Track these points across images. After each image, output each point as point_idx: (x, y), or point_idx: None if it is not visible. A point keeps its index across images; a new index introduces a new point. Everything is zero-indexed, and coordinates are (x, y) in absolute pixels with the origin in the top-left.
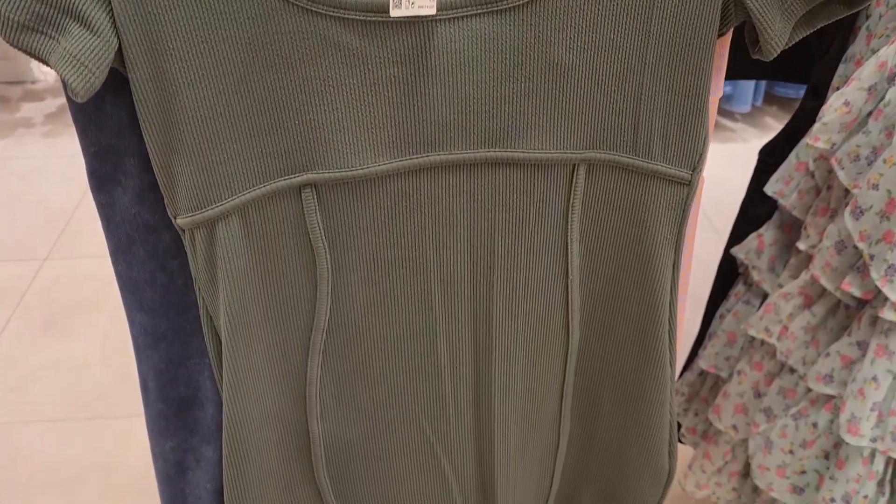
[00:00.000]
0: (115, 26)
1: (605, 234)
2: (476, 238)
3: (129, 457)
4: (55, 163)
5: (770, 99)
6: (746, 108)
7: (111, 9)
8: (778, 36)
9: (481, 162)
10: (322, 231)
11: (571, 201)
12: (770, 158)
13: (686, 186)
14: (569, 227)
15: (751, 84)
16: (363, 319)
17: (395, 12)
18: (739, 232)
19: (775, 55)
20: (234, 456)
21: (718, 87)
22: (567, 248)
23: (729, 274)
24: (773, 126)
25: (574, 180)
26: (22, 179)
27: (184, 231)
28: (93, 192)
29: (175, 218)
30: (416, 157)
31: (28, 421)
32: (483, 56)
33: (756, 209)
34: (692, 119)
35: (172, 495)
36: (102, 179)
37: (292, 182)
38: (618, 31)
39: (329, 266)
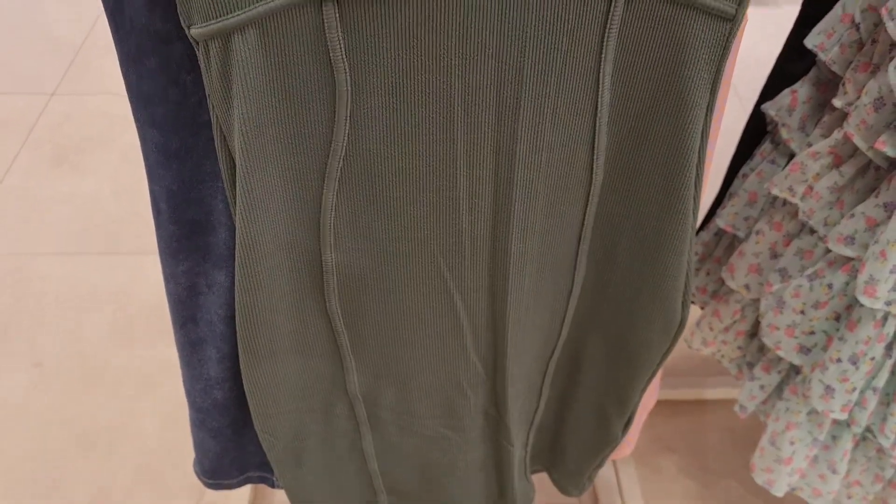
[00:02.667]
0: None
1: (640, 70)
2: (504, 64)
3: (140, 291)
4: None
5: None
6: None
7: None
8: None
9: None
10: (343, 49)
11: (607, 31)
12: (813, 10)
13: (729, 22)
14: (602, 58)
15: None
16: (381, 147)
17: None
18: (771, 89)
19: None
20: (246, 281)
21: None
22: (598, 82)
23: (755, 133)
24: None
25: (612, 8)
26: (26, 10)
27: (197, 43)
28: None
29: (188, 28)
30: None
31: (40, 253)
32: None
33: (792, 65)
34: None
35: (184, 319)
36: None
37: None
38: None
39: (349, 87)
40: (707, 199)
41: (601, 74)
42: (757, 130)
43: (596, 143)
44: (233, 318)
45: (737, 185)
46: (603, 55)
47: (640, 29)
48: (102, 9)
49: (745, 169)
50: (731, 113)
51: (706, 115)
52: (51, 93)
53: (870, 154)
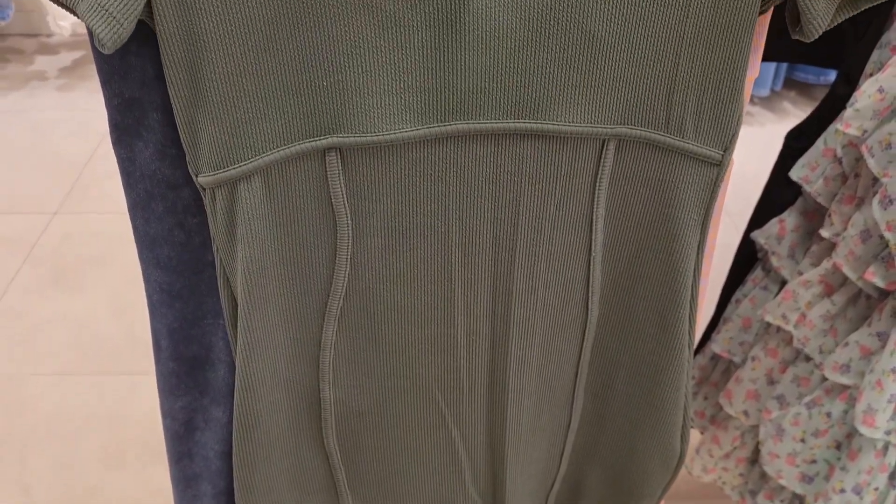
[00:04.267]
0: None
1: (631, 212)
2: (500, 209)
3: (133, 413)
4: (68, 117)
5: (789, 83)
6: (765, 92)
7: None
8: (821, 16)
9: (510, 132)
10: (345, 196)
11: (599, 176)
12: (796, 143)
13: (716, 167)
14: (595, 202)
15: (771, 67)
16: (381, 286)
17: None
18: (760, 216)
19: (816, 36)
20: (244, 418)
21: (755, 66)
22: (592, 224)
23: (746, 258)
24: (792, 111)
25: (603, 155)
26: (34, 132)
27: (204, 189)
28: (114, 145)
29: (196, 176)
30: (444, 125)
31: (34, 374)
32: (517, 24)
33: (779, 194)
34: (727, 98)
35: (179, 455)
36: (124, 133)
37: (317, 145)
38: (657, 4)
39: (350, 231)
40: (702, 321)
41: (594, 217)
42: (748, 257)
43: (591, 281)
44: (229, 454)
45: (730, 310)
46: (595, 199)
47: (630, 174)
48: (107, 131)
49: (737, 294)
50: (721, 229)
51: (697, 254)
52: (53, 212)
53: (860, 284)
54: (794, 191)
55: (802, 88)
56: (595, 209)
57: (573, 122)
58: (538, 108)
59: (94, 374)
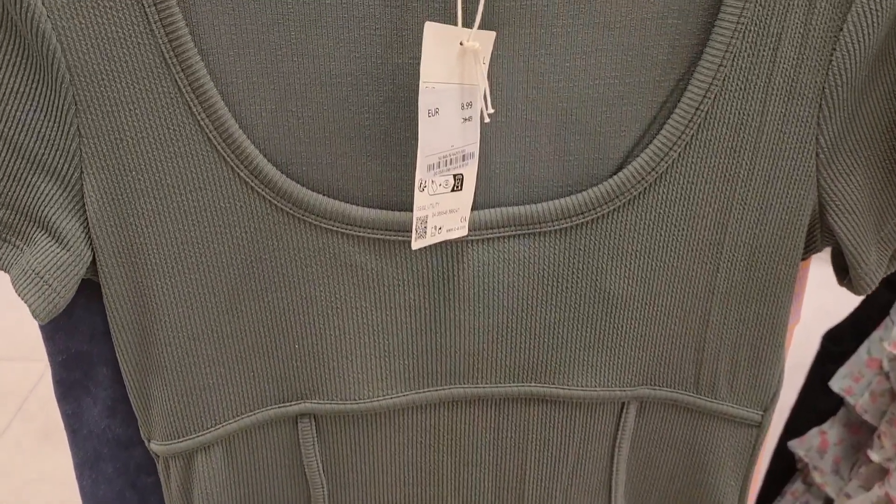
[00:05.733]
0: (88, 238)
1: (658, 476)
2: (503, 480)
3: None
4: None
5: None
6: None
7: (85, 219)
8: (873, 271)
9: (513, 397)
10: (320, 465)
11: (618, 441)
12: (835, 347)
13: (755, 428)
14: (614, 468)
15: None
16: None
17: (417, 244)
18: (797, 422)
19: (869, 292)
20: None
21: (797, 313)
22: (611, 492)
23: (783, 467)
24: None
25: (623, 419)
26: None
27: (158, 456)
28: (58, 401)
29: (148, 441)
30: (436, 390)
31: None
32: (520, 282)
33: (818, 400)
34: (766, 354)
35: None
36: (70, 388)
37: (288, 411)
38: (683, 257)
39: (326, 502)
40: None
41: (613, 484)
42: (785, 464)
43: None
44: None
45: None
46: (615, 465)
47: (655, 438)
48: None
49: None
50: None
51: None
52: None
53: None
54: (835, 398)
55: None
56: (614, 476)
57: (587, 385)
58: (546, 371)
59: None
